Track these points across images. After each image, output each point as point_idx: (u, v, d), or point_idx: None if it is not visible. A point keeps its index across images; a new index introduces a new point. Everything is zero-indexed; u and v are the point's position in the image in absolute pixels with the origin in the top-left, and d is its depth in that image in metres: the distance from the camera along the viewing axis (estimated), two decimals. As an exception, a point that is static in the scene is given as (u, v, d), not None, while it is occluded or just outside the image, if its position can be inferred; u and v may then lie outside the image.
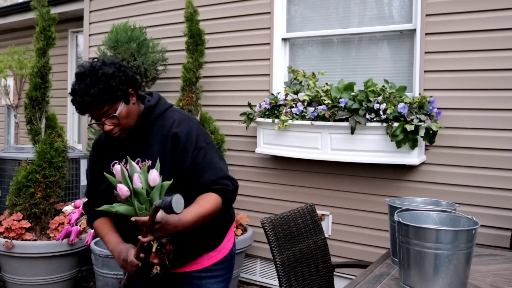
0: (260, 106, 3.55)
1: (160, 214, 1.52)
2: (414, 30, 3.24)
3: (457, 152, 3.07)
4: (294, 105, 3.37)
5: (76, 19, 6.09)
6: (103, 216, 1.88)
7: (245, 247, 3.54)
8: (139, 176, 1.59)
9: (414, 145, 2.94)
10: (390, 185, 3.28)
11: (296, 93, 3.44)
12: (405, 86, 3.12)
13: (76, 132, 6.45)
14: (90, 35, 5.10)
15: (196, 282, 1.86)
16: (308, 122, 3.26)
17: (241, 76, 3.96)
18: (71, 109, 6.45)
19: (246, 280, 4.01)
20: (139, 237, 1.57)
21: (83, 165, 4.27)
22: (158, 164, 1.64)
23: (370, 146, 3.08)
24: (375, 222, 3.33)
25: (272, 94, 3.59)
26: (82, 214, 3.09)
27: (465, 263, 1.61)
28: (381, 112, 2.99)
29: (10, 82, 5.37)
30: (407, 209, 1.89)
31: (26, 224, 3.49)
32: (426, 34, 3.14)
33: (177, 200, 1.47)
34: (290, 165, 3.68)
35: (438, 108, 3.03)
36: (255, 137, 3.76)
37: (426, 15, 3.14)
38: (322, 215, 3.54)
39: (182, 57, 4.02)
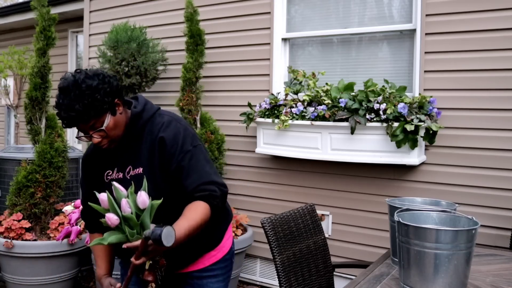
0: (260, 106, 3.55)
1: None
2: (414, 30, 3.24)
3: (457, 152, 3.07)
4: (294, 105, 3.37)
5: (76, 19, 6.09)
6: (100, 232, 1.84)
7: (245, 247, 3.54)
8: (128, 201, 1.54)
9: (414, 145, 2.94)
10: (390, 185, 3.28)
11: (296, 93, 3.44)
12: (405, 86, 3.12)
13: (76, 132, 6.44)
14: (90, 35, 5.10)
15: (197, 282, 1.85)
16: (308, 122, 3.26)
17: (241, 76, 3.96)
18: (71, 109, 6.45)
19: (246, 280, 4.01)
20: (132, 259, 1.54)
21: (83, 165, 4.27)
22: (145, 183, 1.59)
23: (370, 146, 3.08)
24: (375, 222, 3.33)
25: (272, 94, 3.59)
26: (82, 214, 3.08)
27: (465, 263, 1.61)
28: (381, 112, 2.99)
29: (10, 82, 5.37)
30: (407, 209, 1.89)
31: (26, 224, 3.49)
32: (426, 34, 3.14)
33: (167, 233, 1.45)
34: (290, 165, 3.68)
35: (438, 108, 3.03)
36: (255, 137, 3.76)
37: (426, 15, 3.14)
38: (322, 215, 3.54)
39: (182, 57, 4.02)
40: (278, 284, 2.20)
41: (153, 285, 1.61)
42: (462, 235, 1.58)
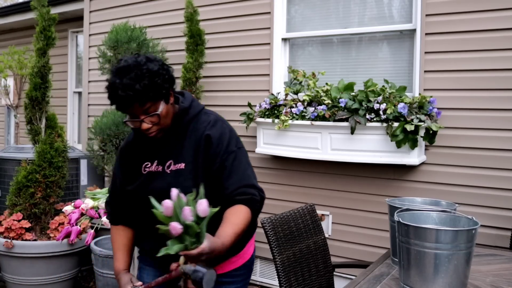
0: (260, 106, 3.55)
1: (207, 243, 1.46)
2: (414, 30, 3.24)
3: (457, 152, 3.07)
4: (294, 105, 3.37)
5: (76, 19, 6.09)
6: (124, 224, 1.89)
7: (245, 247, 3.53)
8: (191, 209, 1.47)
9: (414, 145, 2.94)
10: (390, 185, 3.28)
11: (296, 93, 3.44)
12: (405, 86, 3.12)
13: (76, 132, 6.45)
14: (90, 35, 5.10)
15: (215, 287, 1.84)
16: (308, 122, 3.26)
17: (241, 76, 3.96)
18: (71, 109, 6.46)
19: (246, 280, 4.00)
20: (173, 264, 1.51)
21: (83, 165, 4.28)
22: (202, 189, 1.50)
23: (370, 146, 3.08)
24: (375, 222, 3.33)
25: (272, 94, 3.59)
26: (82, 214, 3.09)
27: (465, 263, 1.61)
28: (381, 112, 2.99)
29: (10, 82, 5.37)
30: (407, 209, 1.89)
31: (26, 224, 3.49)
32: (426, 34, 3.14)
33: (209, 278, 1.41)
34: (290, 165, 3.68)
35: (438, 108, 3.03)
36: (255, 137, 3.76)
37: (426, 15, 3.14)
38: (322, 215, 3.54)
39: (182, 57, 4.02)
40: (278, 284, 2.20)
41: None
42: (462, 235, 1.58)
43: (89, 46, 5.11)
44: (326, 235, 3.14)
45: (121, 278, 1.80)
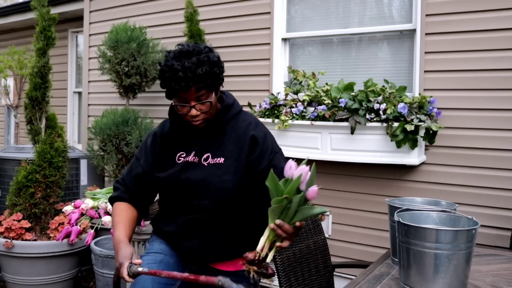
0: (260, 106, 3.55)
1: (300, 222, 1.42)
2: (414, 30, 3.24)
3: (457, 152, 3.07)
4: (294, 105, 3.37)
5: (76, 19, 6.09)
6: (131, 203, 1.87)
7: (245, 247, 3.53)
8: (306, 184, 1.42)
9: (414, 145, 2.94)
10: (390, 185, 3.28)
11: (296, 93, 3.44)
12: (405, 86, 3.12)
13: (76, 132, 6.45)
14: (90, 35, 5.11)
15: (239, 280, 1.84)
16: (308, 122, 3.26)
17: (241, 76, 3.96)
18: (71, 109, 6.46)
19: (246, 280, 4.00)
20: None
21: (83, 165, 4.28)
22: (314, 170, 1.43)
23: (370, 146, 3.08)
24: (375, 222, 3.33)
25: (272, 94, 3.59)
26: (82, 214, 3.08)
27: (465, 263, 1.61)
28: (381, 112, 2.99)
29: (10, 82, 5.37)
30: (407, 209, 1.89)
31: (26, 224, 3.49)
32: (426, 34, 3.14)
33: None
34: (290, 165, 3.67)
35: (438, 108, 3.03)
36: (255, 137, 3.76)
37: (426, 15, 3.14)
38: (322, 215, 3.54)
39: (182, 57, 4.01)
40: (278, 284, 2.20)
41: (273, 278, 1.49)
42: (462, 235, 1.58)
43: (89, 46, 5.11)
44: (326, 235, 3.14)
45: (121, 248, 1.66)
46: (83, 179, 4.28)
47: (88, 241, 3.09)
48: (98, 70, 4.38)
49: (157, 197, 2.00)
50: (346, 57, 3.63)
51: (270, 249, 1.45)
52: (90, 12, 5.09)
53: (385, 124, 2.99)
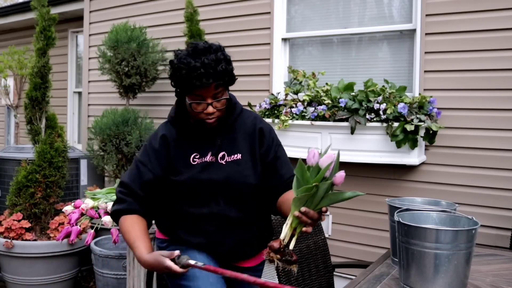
0: (260, 106, 3.55)
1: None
2: (414, 30, 3.24)
3: (457, 152, 3.07)
4: (294, 105, 3.37)
5: (76, 19, 6.09)
6: (140, 214, 1.75)
7: (245, 247, 3.53)
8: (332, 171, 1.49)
9: (414, 145, 2.94)
10: (390, 185, 3.28)
11: (296, 93, 3.44)
12: (405, 86, 3.12)
13: (76, 132, 6.45)
14: (90, 35, 5.10)
15: (254, 274, 1.86)
16: (308, 122, 3.26)
17: (241, 76, 3.95)
18: (71, 109, 6.46)
19: (246, 280, 4.00)
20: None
21: (83, 165, 4.28)
22: (338, 158, 1.50)
23: (370, 146, 3.08)
24: (375, 222, 3.33)
25: (272, 94, 3.59)
26: (82, 214, 3.08)
27: (465, 263, 1.61)
28: (381, 112, 2.99)
29: (10, 82, 5.38)
30: (407, 209, 1.89)
31: (26, 224, 3.49)
32: (426, 34, 3.14)
33: None
34: (290, 165, 3.67)
35: (438, 108, 3.03)
36: (255, 137, 3.76)
37: (426, 15, 3.14)
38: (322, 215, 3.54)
39: (182, 57, 4.01)
40: (278, 284, 2.19)
41: (296, 266, 1.47)
42: (462, 235, 1.58)
43: (89, 46, 5.11)
44: (326, 235, 3.14)
45: (150, 259, 1.58)
46: (83, 179, 4.28)
47: (88, 241, 3.09)
48: (98, 70, 4.38)
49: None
50: (346, 57, 3.63)
51: (291, 237, 1.46)
52: (90, 12, 5.09)
53: (385, 124, 2.99)
